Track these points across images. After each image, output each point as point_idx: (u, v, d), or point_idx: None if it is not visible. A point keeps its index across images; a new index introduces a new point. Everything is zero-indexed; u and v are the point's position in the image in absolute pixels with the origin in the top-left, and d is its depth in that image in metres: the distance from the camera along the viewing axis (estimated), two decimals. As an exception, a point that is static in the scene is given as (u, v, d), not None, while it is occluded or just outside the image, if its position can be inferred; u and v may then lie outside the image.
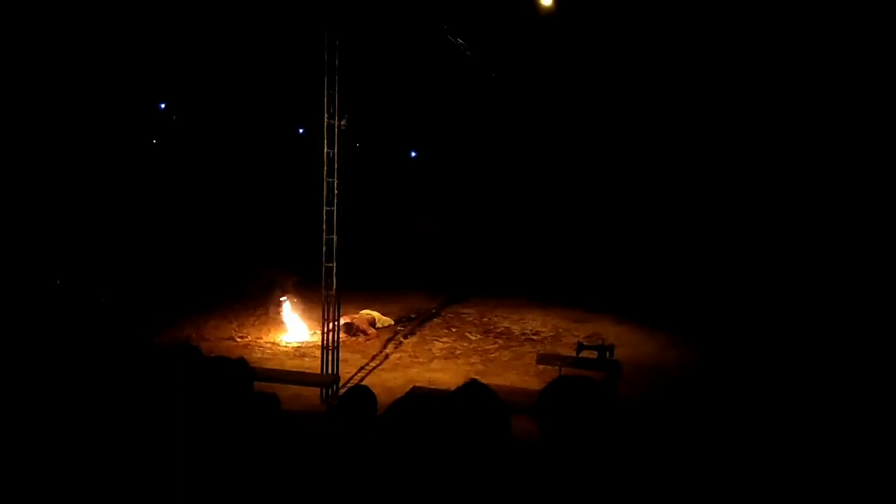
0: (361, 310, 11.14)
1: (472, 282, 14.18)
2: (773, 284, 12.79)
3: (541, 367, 8.45)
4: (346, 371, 8.68)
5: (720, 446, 5.63)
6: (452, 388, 2.57)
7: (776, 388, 7.79)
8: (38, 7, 13.04)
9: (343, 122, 7.94)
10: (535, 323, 11.59)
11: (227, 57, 16.48)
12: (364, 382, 8.28)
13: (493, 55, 12.86)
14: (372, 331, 10.64)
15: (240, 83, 18.52)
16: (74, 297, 10.93)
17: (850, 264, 13.26)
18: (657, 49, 14.60)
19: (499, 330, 11.17)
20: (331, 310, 8.24)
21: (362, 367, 9.07)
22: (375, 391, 2.98)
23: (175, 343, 9.09)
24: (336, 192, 8.05)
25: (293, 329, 10.64)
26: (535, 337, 10.83)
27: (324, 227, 8.15)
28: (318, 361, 8.30)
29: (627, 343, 10.05)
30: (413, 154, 26.13)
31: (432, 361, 9.46)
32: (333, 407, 3.28)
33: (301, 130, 23.11)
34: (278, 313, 10.88)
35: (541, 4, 9.59)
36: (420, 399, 2.52)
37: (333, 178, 8.03)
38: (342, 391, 7.45)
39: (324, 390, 7.89)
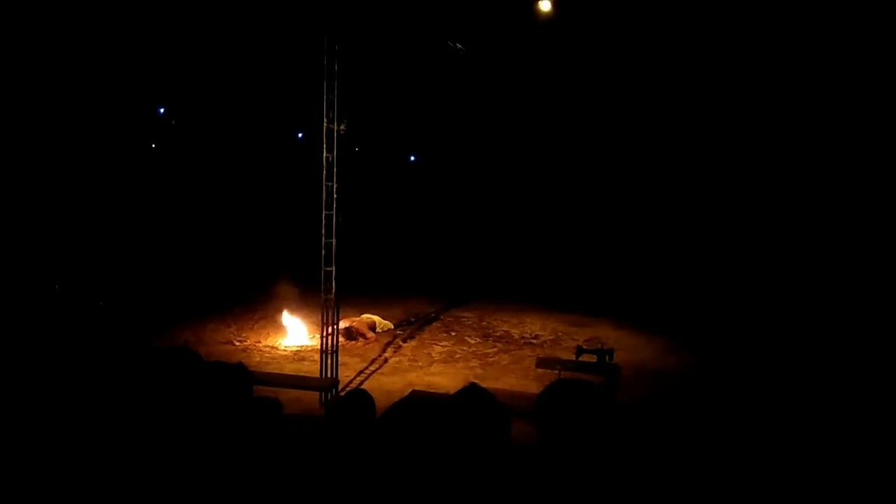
0: (362, 314, 11.15)
1: (471, 286, 14.20)
2: (771, 289, 12.81)
3: (540, 370, 8.44)
4: (346, 375, 8.68)
5: (718, 450, 5.62)
6: (452, 391, 2.57)
7: (774, 393, 7.79)
8: (37, 9, 13.05)
9: (342, 127, 7.96)
10: (535, 327, 11.59)
11: (227, 61, 16.50)
12: (363, 386, 8.27)
13: (492, 60, 12.90)
14: (371, 334, 10.64)
15: (239, 88, 18.53)
16: (73, 302, 10.92)
17: (848, 268, 13.28)
18: (656, 53, 14.64)
19: (498, 334, 11.17)
20: (330, 314, 8.25)
21: (361, 371, 9.07)
22: (374, 395, 2.98)
23: (173, 347, 9.07)
24: (335, 196, 8.06)
25: (292, 333, 10.64)
26: (534, 341, 10.83)
27: (323, 231, 8.17)
28: (318, 365, 8.30)
29: (627, 347, 10.06)
30: (412, 158, 26.17)
31: (432, 365, 9.46)
32: (330, 410, 3.28)
33: (300, 135, 23.13)
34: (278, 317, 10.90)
35: (539, 10, 9.62)
36: (418, 402, 2.53)
37: (333, 182, 8.04)
38: (341, 395, 7.44)
39: (323, 394, 7.89)
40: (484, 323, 11.82)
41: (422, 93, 17.94)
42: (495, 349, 10.29)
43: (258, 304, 11.80)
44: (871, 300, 11.47)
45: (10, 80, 13.52)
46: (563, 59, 14.81)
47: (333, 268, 8.22)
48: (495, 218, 19.52)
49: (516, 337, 11.01)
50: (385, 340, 10.55)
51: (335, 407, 3.26)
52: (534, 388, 7.57)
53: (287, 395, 6.95)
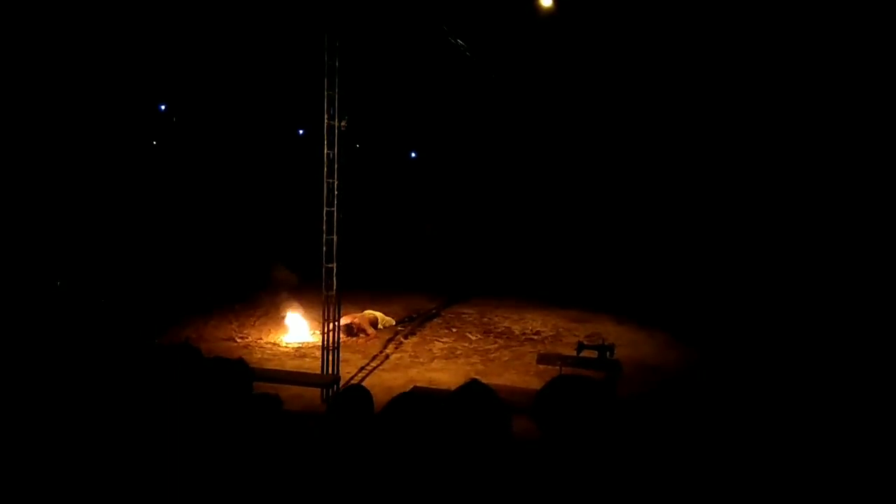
0: (363, 310, 11.16)
1: (472, 282, 14.20)
2: (771, 285, 12.80)
3: (541, 366, 8.44)
4: (347, 371, 8.69)
5: (719, 445, 5.63)
6: (453, 387, 2.57)
7: (775, 388, 7.79)
8: (38, 8, 13.05)
9: (343, 124, 7.95)
10: (536, 323, 11.60)
11: (228, 58, 16.50)
12: (364, 383, 8.28)
13: (492, 56, 12.87)
14: (372, 331, 10.65)
15: (240, 85, 18.54)
16: (75, 299, 10.93)
17: (848, 264, 13.27)
18: (657, 49, 14.61)
19: (499, 330, 11.18)
20: (331, 310, 8.25)
21: (363, 368, 9.08)
22: (375, 391, 2.99)
23: (174, 344, 9.09)
24: (336, 192, 8.06)
25: (294, 330, 10.65)
26: (535, 337, 10.84)
27: (324, 227, 8.17)
28: (319, 362, 8.31)
29: (628, 343, 10.07)
30: (413, 155, 26.16)
31: (433, 361, 9.46)
32: (329, 407, 3.28)
33: (301, 131, 23.13)
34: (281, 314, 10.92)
35: (541, 5, 9.61)
36: (419, 398, 2.53)
37: (334, 178, 8.04)
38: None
39: (324, 390, 7.91)
40: (485, 319, 11.83)
41: (423, 89, 17.94)
42: (496, 345, 10.29)
43: (260, 301, 11.81)
44: (872, 296, 11.47)
45: (11, 78, 13.53)
46: (564, 54, 14.79)
47: (335, 264, 8.23)
48: (496, 214, 19.52)
49: (517, 333, 11.01)
50: (386, 337, 10.56)
51: (333, 403, 3.26)
52: (535, 384, 7.56)
53: (288, 391, 6.96)
